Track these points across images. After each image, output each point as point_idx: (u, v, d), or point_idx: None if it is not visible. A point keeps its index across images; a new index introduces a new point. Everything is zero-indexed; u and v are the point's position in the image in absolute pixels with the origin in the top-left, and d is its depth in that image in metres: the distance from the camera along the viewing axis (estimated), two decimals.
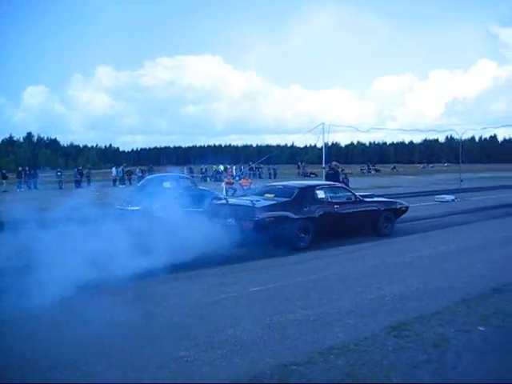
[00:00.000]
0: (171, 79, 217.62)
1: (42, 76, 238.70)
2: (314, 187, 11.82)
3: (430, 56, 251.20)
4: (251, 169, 43.73)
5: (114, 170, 41.93)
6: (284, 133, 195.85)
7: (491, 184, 33.94)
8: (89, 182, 40.41)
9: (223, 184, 25.38)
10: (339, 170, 17.71)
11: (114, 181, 40.03)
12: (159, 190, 16.83)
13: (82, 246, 7.84)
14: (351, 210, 11.67)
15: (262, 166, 51.80)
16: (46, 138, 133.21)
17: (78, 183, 38.83)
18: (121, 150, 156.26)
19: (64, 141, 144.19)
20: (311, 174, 47.96)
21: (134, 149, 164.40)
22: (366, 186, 30.72)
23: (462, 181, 28.74)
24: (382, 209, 12.38)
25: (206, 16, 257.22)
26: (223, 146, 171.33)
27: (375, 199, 13.16)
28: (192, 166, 50.46)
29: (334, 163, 16.80)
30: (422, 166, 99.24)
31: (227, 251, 9.62)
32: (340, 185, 13.42)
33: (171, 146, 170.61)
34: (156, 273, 7.71)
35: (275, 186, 12.73)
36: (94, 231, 8.66)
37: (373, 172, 68.85)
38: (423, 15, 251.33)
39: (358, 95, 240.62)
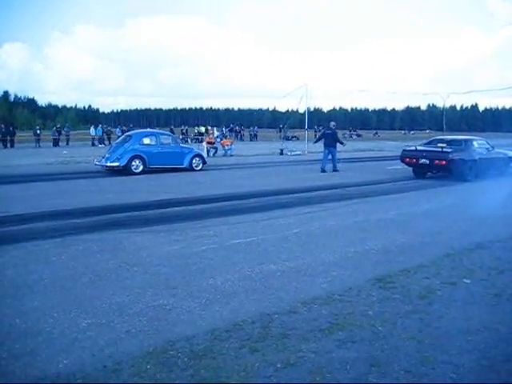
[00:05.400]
0: (153, 40, 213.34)
1: (19, 32, 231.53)
2: (472, 140, 16.23)
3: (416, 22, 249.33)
4: (232, 130, 43.30)
5: (92, 129, 40.80)
6: (267, 97, 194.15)
7: None
8: (67, 141, 39.71)
9: (204, 143, 25.06)
10: (336, 130, 18.66)
11: (93, 140, 39.21)
12: (139, 145, 16.49)
13: None
14: (491, 156, 15.90)
15: (243, 128, 51.42)
16: (23, 98, 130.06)
17: (56, 142, 38.06)
18: (100, 111, 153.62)
19: (42, 101, 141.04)
20: (293, 137, 47.73)
21: (115, 110, 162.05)
22: (349, 149, 30.60)
23: None
24: (506, 157, 16.65)
25: None
26: (204, 108, 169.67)
27: (501, 150, 17.10)
28: (173, 128, 49.71)
29: (332, 123, 18.57)
30: (403, 132, 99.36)
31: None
32: (481, 138, 17.17)
33: (152, 107, 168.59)
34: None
35: (444, 139, 16.54)
36: None
37: (354, 137, 68.70)
38: None
39: (344, 60, 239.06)
